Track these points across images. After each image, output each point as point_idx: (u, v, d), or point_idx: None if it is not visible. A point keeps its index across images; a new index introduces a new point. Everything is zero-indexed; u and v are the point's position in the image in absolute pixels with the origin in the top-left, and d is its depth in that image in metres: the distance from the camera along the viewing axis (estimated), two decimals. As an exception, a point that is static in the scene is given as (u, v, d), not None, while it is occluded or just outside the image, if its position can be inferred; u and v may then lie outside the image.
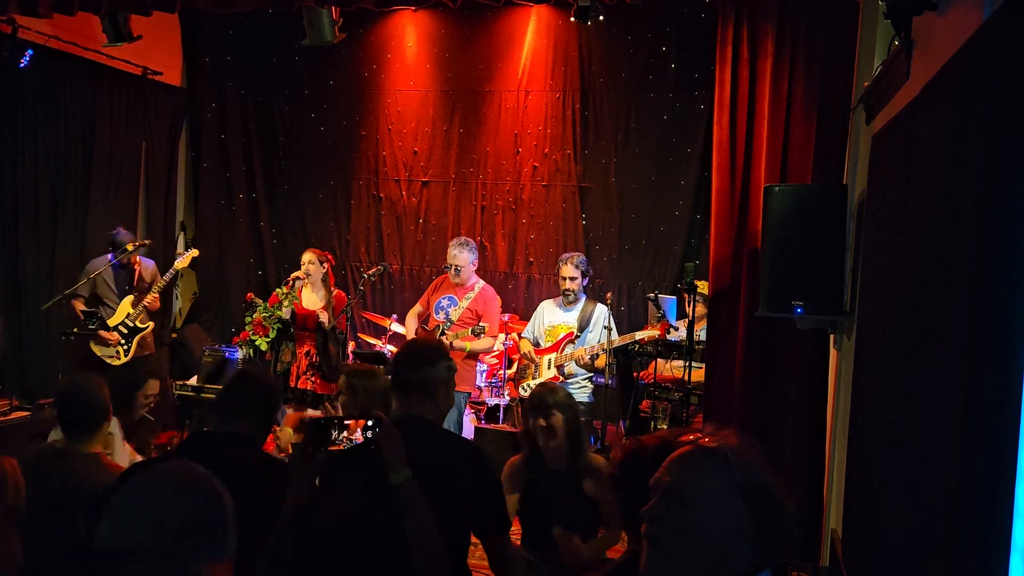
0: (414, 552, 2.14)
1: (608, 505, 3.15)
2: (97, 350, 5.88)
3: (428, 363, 2.46)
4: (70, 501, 2.63)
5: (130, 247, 5.89)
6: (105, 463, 2.90)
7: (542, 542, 3.06)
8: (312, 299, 5.93)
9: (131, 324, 5.93)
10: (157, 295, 6.03)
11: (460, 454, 2.45)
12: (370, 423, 2.17)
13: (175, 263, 6.20)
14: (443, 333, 5.45)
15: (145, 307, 5.96)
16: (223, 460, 2.03)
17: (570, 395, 3.32)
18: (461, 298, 5.59)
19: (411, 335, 5.69)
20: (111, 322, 5.90)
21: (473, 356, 5.61)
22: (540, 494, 3.17)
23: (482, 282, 5.75)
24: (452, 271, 5.56)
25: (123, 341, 5.93)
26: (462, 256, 5.53)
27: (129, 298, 5.97)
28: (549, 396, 3.22)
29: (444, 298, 5.66)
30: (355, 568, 2.27)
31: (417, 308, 5.85)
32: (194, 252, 6.43)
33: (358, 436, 2.16)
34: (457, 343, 5.39)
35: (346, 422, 2.17)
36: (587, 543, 3.04)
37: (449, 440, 2.56)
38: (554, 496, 3.13)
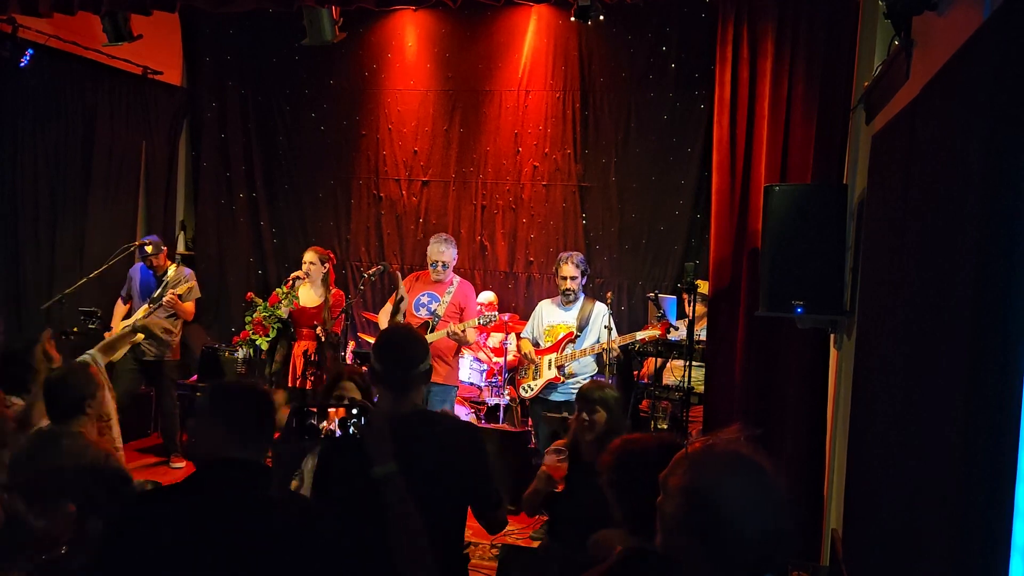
0: (394, 548, 2.06)
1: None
2: None
3: (417, 359, 2.38)
4: (61, 477, 2.80)
5: (149, 249, 6.07)
6: (89, 440, 3.07)
7: (568, 535, 3.06)
8: (310, 296, 5.90)
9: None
10: (148, 311, 6.02)
11: (454, 437, 2.45)
12: (354, 412, 2.02)
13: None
14: (432, 330, 5.45)
15: (154, 314, 6.00)
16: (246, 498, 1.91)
17: (618, 398, 3.33)
18: (442, 294, 5.56)
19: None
20: (128, 322, 5.98)
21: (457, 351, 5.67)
22: (569, 486, 3.19)
23: (458, 276, 5.75)
24: (438, 267, 5.52)
25: None
26: (448, 253, 5.53)
27: (145, 306, 6.04)
28: (596, 392, 3.26)
29: (423, 295, 5.61)
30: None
31: (388, 306, 5.75)
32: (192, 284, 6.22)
33: (335, 426, 2.00)
34: (471, 333, 5.44)
35: (327, 411, 2.04)
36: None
37: (443, 424, 2.53)
38: (580, 488, 3.13)
